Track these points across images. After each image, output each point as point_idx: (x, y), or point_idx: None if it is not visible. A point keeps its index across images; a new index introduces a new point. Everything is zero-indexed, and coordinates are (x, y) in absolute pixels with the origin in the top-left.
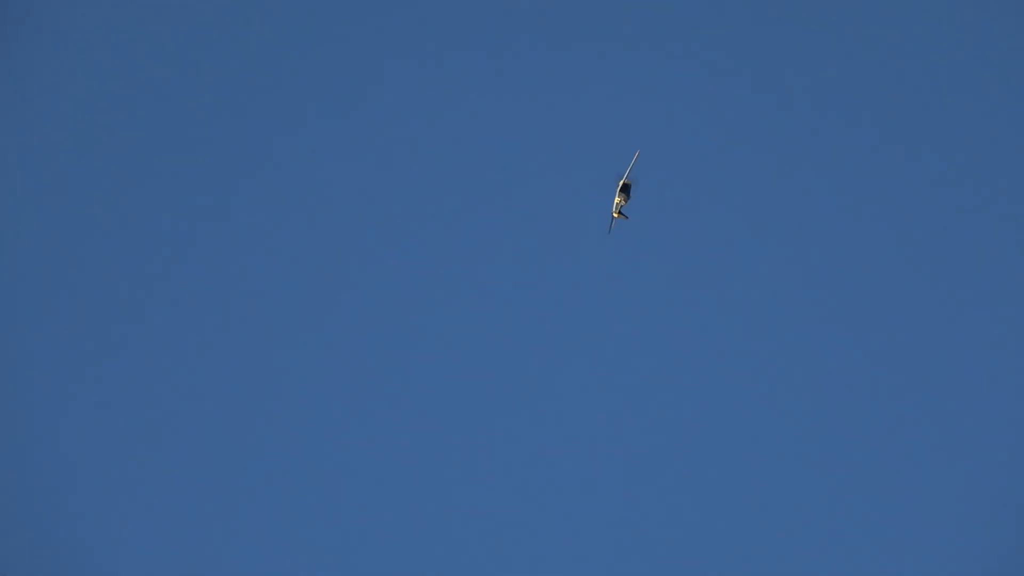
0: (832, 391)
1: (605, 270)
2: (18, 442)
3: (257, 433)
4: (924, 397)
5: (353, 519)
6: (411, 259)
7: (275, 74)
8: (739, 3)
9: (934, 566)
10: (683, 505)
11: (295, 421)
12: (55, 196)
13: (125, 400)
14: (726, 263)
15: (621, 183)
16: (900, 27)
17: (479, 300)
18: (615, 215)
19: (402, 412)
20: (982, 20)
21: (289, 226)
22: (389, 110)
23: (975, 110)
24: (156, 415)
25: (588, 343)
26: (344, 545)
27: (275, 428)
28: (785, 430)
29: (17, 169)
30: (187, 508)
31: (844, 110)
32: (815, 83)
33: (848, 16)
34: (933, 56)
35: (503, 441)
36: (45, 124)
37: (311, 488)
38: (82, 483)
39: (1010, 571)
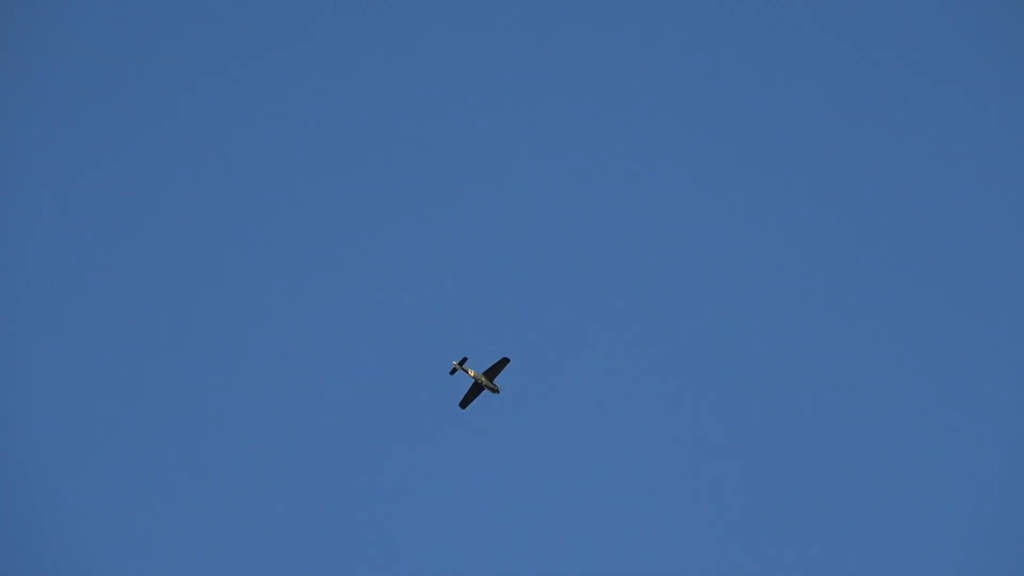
0: (828, 393)
1: (600, 271)
2: (17, 442)
3: (257, 434)
4: (919, 398)
5: (352, 521)
6: (407, 256)
7: (273, 78)
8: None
9: (931, 566)
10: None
11: (295, 423)
12: (55, 197)
13: (125, 401)
14: (725, 263)
15: (488, 376)
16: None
17: (475, 298)
18: (463, 369)
19: (401, 414)
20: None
21: (288, 227)
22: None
23: (972, 113)
24: (155, 415)
25: (581, 344)
26: (343, 549)
27: (275, 429)
28: (780, 433)
29: (17, 169)
30: (186, 510)
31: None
32: (809, 88)
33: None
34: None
35: (503, 441)
36: (45, 124)
37: (310, 491)
38: (81, 484)
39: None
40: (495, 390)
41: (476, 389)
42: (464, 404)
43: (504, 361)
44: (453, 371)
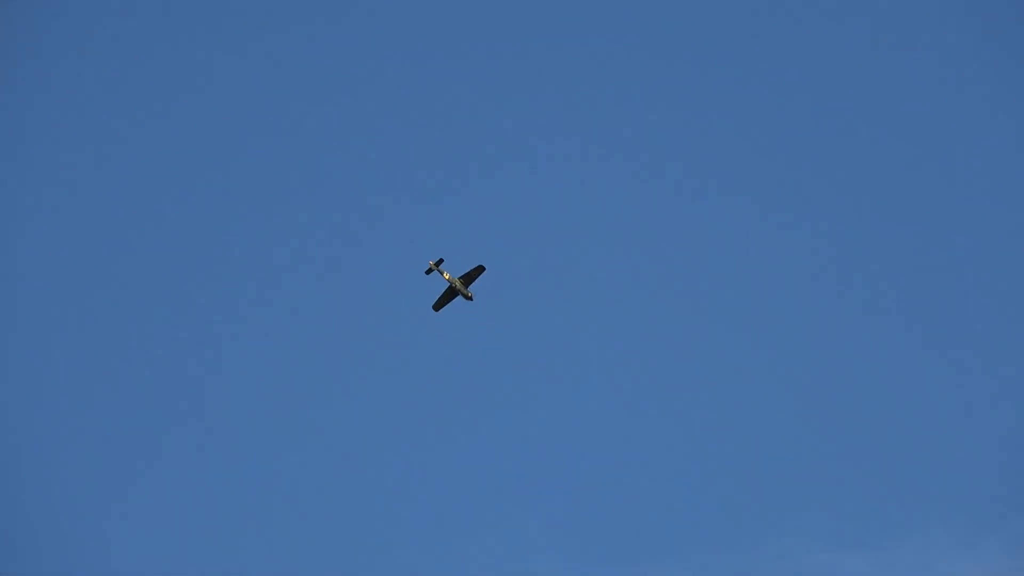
0: (828, 387)
1: (600, 271)
2: (18, 442)
3: (256, 434)
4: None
5: (349, 519)
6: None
7: (273, 76)
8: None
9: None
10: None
11: (294, 422)
12: (56, 197)
13: (125, 401)
14: (722, 260)
15: (463, 282)
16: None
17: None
18: (438, 271)
19: (398, 413)
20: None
21: (287, 229)
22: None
23: (969, 117)
24: (155, 416)
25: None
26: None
27: (274, 429)
28: (781, 431)
29: (17, 169)
30: (184, 510)
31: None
32: (808, 88)
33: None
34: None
35: (499, 437)
36: (45, 124)
37: (309, 491)
38: (80, 484)
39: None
40: (469, 296)
41: (451, 293)
42: (438, 307)
43: (480, 268)
44: (429, 271)
